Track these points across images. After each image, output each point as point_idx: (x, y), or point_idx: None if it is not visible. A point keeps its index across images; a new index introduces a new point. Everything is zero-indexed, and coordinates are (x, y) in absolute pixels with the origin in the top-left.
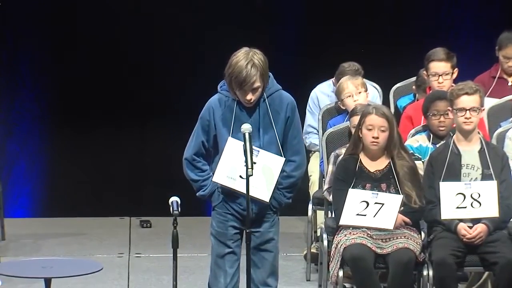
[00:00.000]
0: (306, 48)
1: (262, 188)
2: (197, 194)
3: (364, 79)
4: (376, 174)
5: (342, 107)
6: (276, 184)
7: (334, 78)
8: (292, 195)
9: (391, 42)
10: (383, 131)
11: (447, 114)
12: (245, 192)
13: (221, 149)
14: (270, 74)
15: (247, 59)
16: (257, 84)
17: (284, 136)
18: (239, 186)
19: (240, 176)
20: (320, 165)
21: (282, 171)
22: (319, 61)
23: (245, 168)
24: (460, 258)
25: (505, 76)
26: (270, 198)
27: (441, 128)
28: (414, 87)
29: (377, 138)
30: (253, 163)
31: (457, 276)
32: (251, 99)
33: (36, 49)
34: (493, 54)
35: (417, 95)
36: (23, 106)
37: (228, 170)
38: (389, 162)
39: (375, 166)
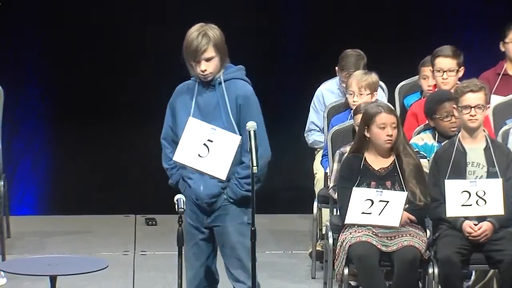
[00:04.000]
0: (311, 45)
1: (218, 165)
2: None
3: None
4: (380, 172)
5: None
6: (235, 175)
7: (337, 64)
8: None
9: (396, 39)
10: (394, 127)
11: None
12: (201, 170)
13: (179, 131)
14: (242, 67)
15: (199, 31)
16: (210, 54)
17: (242, 126)
18: (197, 164)
19: (199, 155)
20: (322, 159)
21: (242, 162)
22: (323, 59)
23: (198, 151)
24: (465, 256)
25: (510, 72)
26: (228, 189)
27: (453, 129)
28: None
29: (391, 135)
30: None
31: (462, 274)
32: (205, 70)
33: (41, 47)
34: (498, 52)
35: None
36: (28, 103)
37: (188, 149)
38: (394, 160)
39: (379, 164)
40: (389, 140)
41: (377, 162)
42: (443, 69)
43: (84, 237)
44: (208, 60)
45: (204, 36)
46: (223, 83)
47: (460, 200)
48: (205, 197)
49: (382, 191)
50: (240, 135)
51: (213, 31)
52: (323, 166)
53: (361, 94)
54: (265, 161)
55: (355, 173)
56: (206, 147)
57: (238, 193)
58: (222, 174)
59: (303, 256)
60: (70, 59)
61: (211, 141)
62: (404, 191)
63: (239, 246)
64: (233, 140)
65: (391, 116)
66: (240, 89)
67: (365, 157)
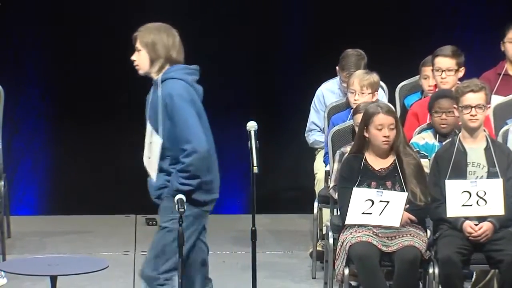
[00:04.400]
0: (311, 45)
1: (151, 166)
2: None
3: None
4: (381, 172)
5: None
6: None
7: (338, 64)
8: (190, 182)
9: (396, 40)
10: (392, 129)
11: (450, 112)
12: (147, 170)
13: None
14: (186, 67)
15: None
16: (136, 44)
17: (172, 124)
18: (146, 165)
19: (148, 157)
20: (324, 157)
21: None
22: (323, 59)
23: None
24: (465, 256)
25: (511, 72)
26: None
27: (442, 126)
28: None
29: (388, 136)
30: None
31: (463, 274)
32: (134, 60)
33: (41, 47)
34: (498, 52)
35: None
36: (28, 103)
37: (145, 152)
38: (394, 160)
39: (380, 164)
40: (386, 141)
41: (377, 162)
42: (441, 69)
43: (84, 237)
44: (137, 51)
45: (142, 27)
46: (159, 84)
47: (461, 200)
48: (153, 190)
49: (382, 192)
50: (176, 131)
51: (149, 29)
52: (325, 164)
53: (363, 93)
54: (197, 156)
55: (355, 173)
56: (149, 149)
57: (174, 185)
58: (152, 174)
59: (303, 256)
60: (70, 59)
61: (151, 143)
62: (404, 191)
63: (154, 243)
64: (157, 141)
65: (389, 117)
66: (168, 88)
67: (365, 157)
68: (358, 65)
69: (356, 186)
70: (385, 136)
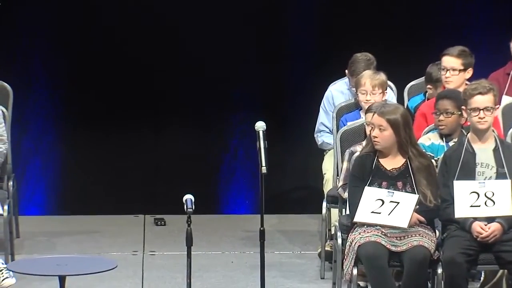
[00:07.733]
0: (320, 46)
1: None
2: None
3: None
4: (392, 172)
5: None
6: None
7: (347, 68)
8: None
9: (404, 40)
10: (381, 130)
11: (449, 113)
12: None
13: None
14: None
15: None
16: None
17: None
18: None
19: None
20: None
21: None
22: (333, 59)
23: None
24: (472, 257)
25: None
26: None
27: (440, 127)
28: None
29: (376, 137)
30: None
31: (470, 274)
32: None
33: (50, 47)
34: (506, 53)
35: (427, 93)
36: (37, 103)
37: None
38: (406, 161)
39: (391, 164)
40: (374, 141)
41: (389, 162)
42: (446, 68)
43: (93, 237)
44: None
45: None
46: None
47: (469, 201)
48: None
49: (393, 192)
50: None
51: None
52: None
53: (374, 94)
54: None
55: (367, 173)
56: None
57: None
58: None
59: (312, 256)
60: (79, 60)
61: None
62: (415, 192)
63: None
64: None
65: (380, 118)
66: None
67: (377, 157)
68: (368, 69)
69: (367, 186)
70: (373, 136)
